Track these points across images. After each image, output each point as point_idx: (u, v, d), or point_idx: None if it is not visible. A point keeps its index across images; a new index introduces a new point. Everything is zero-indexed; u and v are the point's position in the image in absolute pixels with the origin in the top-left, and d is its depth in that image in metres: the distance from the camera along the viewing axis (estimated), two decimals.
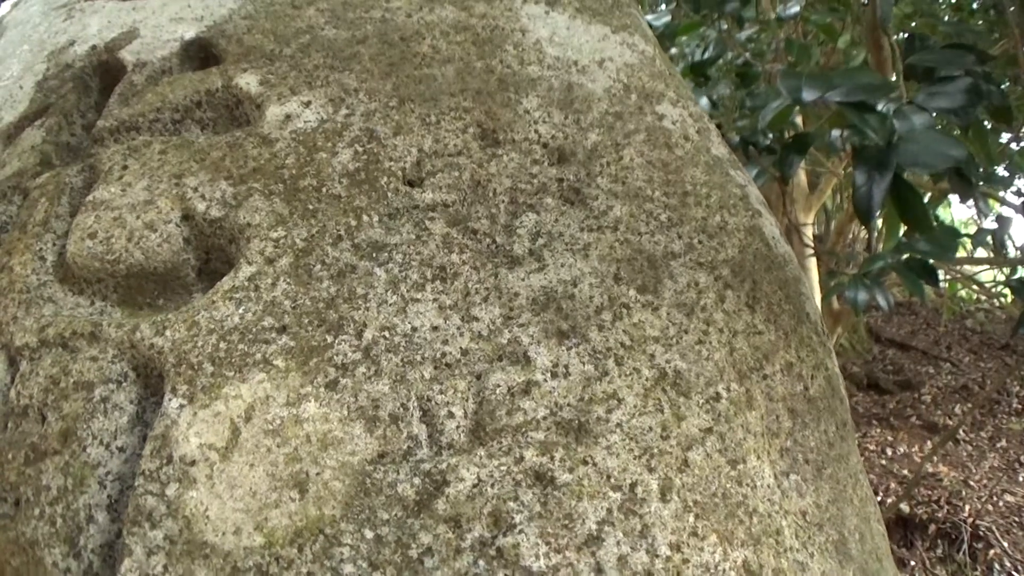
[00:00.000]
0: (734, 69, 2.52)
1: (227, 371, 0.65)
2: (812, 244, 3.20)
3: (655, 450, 0.64)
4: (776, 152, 1.92)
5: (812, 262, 3.45)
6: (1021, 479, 3.89)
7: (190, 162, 0.79)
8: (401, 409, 0.64)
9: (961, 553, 3.42)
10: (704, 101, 2.32)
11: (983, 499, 3.51)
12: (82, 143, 0.93)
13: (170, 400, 0.64)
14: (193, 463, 0.60)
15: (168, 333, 0.68)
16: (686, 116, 0.90)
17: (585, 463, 0.62)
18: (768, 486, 0.67)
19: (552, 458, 0.62)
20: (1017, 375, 4.18)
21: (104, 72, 0.97)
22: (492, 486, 0.60)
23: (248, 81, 0.86)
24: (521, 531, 0.58)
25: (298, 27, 0.93)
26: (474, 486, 0.60)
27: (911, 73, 1.37)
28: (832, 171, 3.37)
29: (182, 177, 0.78)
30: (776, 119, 1.53)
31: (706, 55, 2.37)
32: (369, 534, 0.58)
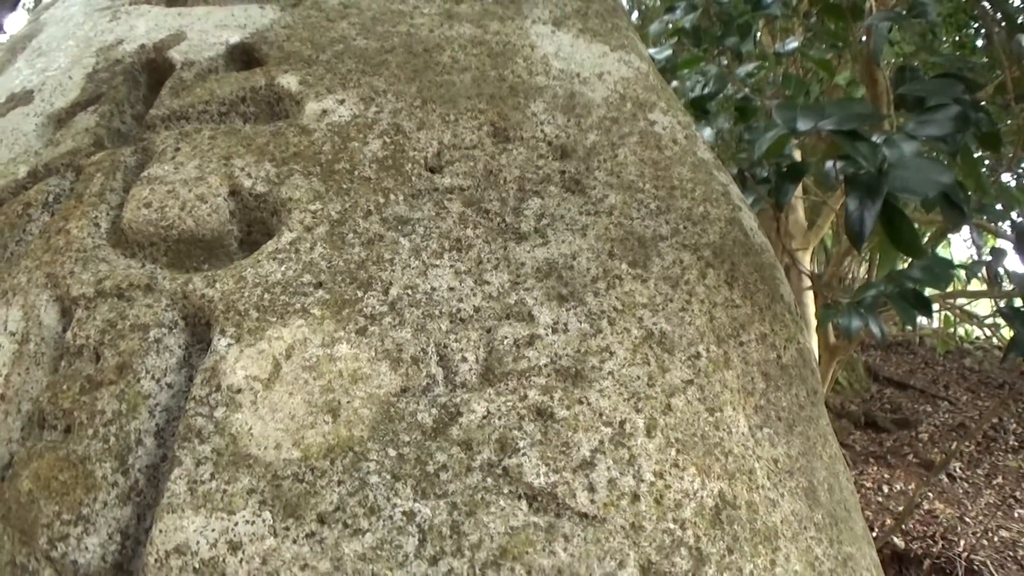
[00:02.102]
0: (733, 103, 2.62)
1: (270, 317, 0.77)
2: (810, 277, 3.36)
3: (642, 395, 0.76)
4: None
5: (809, 295, 3.60)
6: (1017, 515, 3.96)
7: (237, 146, 0.93)
8: (421, 353, 0.76)
9: None
10: (708, 132, 2.47)
11: (978, 535, 3.57)
12: (131, 131, 1.07)
13: (219, 340, 0.76)
14: (239, 391, 0.72)
15: (218, 285, 0.80)
16: (675, 123, 1.05)
17: (580, 403, 0.74)
18: (743, 434, 0.79)
19: (552, 397, 0.74)
20: (1013, 412, 4.30)
21: (152, 69, 1.12)
22: (499, 418, 0.72)
23: (289, 81, 1.01)
24: (524, 454, 0.70)
25: (332, 37, 1.09)
26: (484, 418, 0.72)
27: (902, 103, 1.49)
28: (831, 207, 3.54)
29: (230, 158, 0.91)
30: (771, 148, 1.64)
31: (706, 90, 2.47)
32: (392, 452, 0.69)
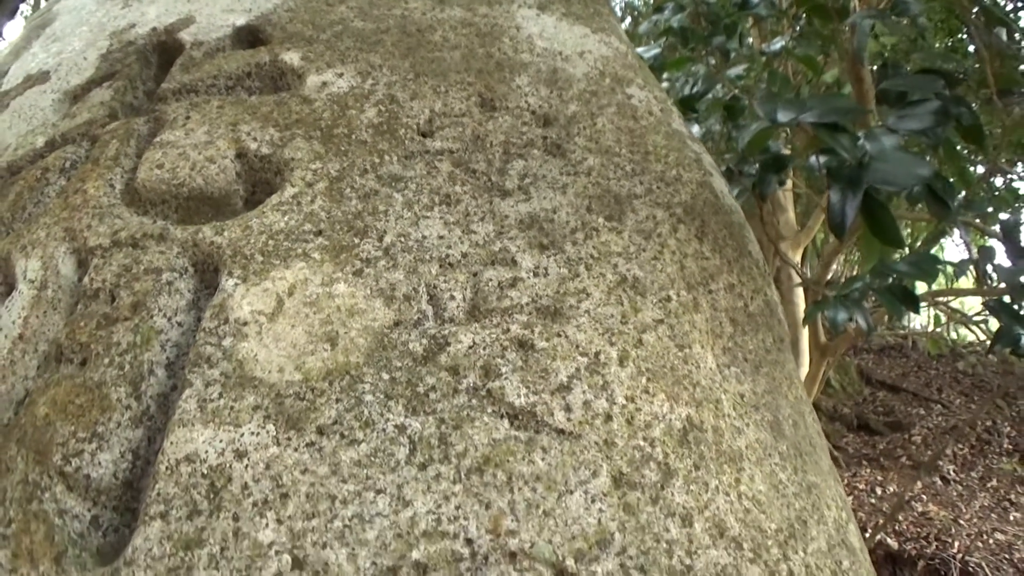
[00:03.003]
0: (722, 103, 2.69)
1: (274, 260, 0.84)
2: (800, 275, 3.45)
3: (615, 331, 0.84)
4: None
5: (799, 293, 3.69)
6: (1012, 518, 4.00)
7: (244, 114, 1.01)
8: (413, 292, 0.83)
9: None
10: (696, 131, 2.55)
11: (972, 536, 3.61)
12: (143, 105, 1.16)
13: (227, 280, 0.83)
14: (245, 324, 0.79)
15: (226, 233, 0.88)
16: (651, 97, 1.14)
17: (559, 336, 0.82)
18: (710, 369, 0.87)
19: (532, 331, 0.82)
20: (1007, 416, 4.37)
21: (163, 50, 1.21)
22: (484, 348, 0.79)
23: (291, 57, 1.10)
24: (506, 378, 0.77)
25: (331, 19, 1.18)
26: (470, 347, 0.79)
27: (884, 98, 1.55)
28: (822, 208, 3.64)
29: (237, 125, 1.00)
30: (754, 140, 1.71)
31: (695, 90, 2.54)
32: (385, 376, 0.76)
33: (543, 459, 0.72)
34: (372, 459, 0.70)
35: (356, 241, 0.88)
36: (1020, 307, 1.77)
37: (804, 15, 2.80)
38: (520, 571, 0.66)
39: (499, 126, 1.03)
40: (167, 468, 0.70)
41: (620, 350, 0.82)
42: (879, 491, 4.02)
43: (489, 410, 0.75)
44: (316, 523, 0.66)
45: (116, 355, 0.80)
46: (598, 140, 1.05)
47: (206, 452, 0.71)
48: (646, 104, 1.13)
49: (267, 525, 0.66)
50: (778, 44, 2.67)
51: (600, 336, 0.83)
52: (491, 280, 0.86)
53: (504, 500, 0.69)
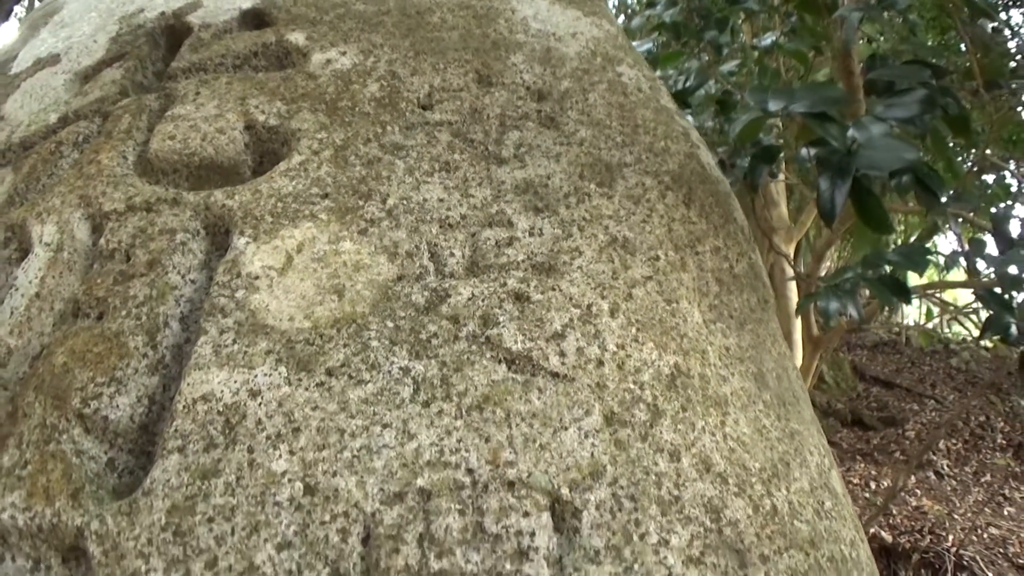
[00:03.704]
0: (714, 98, 2.75)
1: (283, 220, 0.90)
2: (792, 268, 3.52)
3: (607, 285, 0.89)
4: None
5: (792, 286, 3.77)
6: (1006, 512, 4.05)
7: (251, 89, 1.07)
8: (415, 249, 0.89)
9: None
10: (689, 120, 2.60)
11: (967, 530, 3.67)
12: (153, 84, 1.21)
13: (238, 239, 0.89)
14: (257, 278, 0.85)
15: (237, 197, 0.93)
16: (640, 76, 1.21)
17: (553, 289, 0.87)
18: (697, 323, 0.92)
19: (528, 285, 0.87)
20: (1001, 411, 4.44)
21: (171, 33, 1.27)
22: (482, 300, 0.85)
23: (296, 37, 1.16)
24: (504, 327, 0.82)
25: (334, 2, 1.24)
26: (469, 299, 0.85)
27: (871, 88, 1.58)
28: (814, 202, 3.71)
29: (245, 99, 1.05)
30: (746, 130, 1.75)
31: (688, 84, 2.59)
32: (390, 324, 0.82)
33: (539, 398, 0.78)
34: (378, 397, 0.76)
35: (361, 203, 0.93)
36: (1009, 296, 1.83)
37: (795, 10, 2.87)
38: (518, 498, 0.71)
39: (495, 100, 1.10)
40: (184, 407, 0.75)
41: (611, 303, 0.88)
42: (873, 486, 4.07)
43: (488, 355, 0.80)
44: (326, 454, 0.71)
45: (133, 307, 0.85)
46: (590, 113, 1.11)
47: (221, 392, 0.76)
48: (635, 82, 1.20)
49: (280, 456, 0.71)
50: (769, 39, 2.75)
51: (592, 290, 0.89)
52: (489, 239, 0.92)
53: (503, 434, 0.74)
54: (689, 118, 2.63)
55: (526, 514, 0.70)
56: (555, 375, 0.80)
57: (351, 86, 1.08)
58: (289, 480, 0.70)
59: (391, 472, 0.71)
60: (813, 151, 1.62)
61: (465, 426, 0.74)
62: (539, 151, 1.04)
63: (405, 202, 0.94)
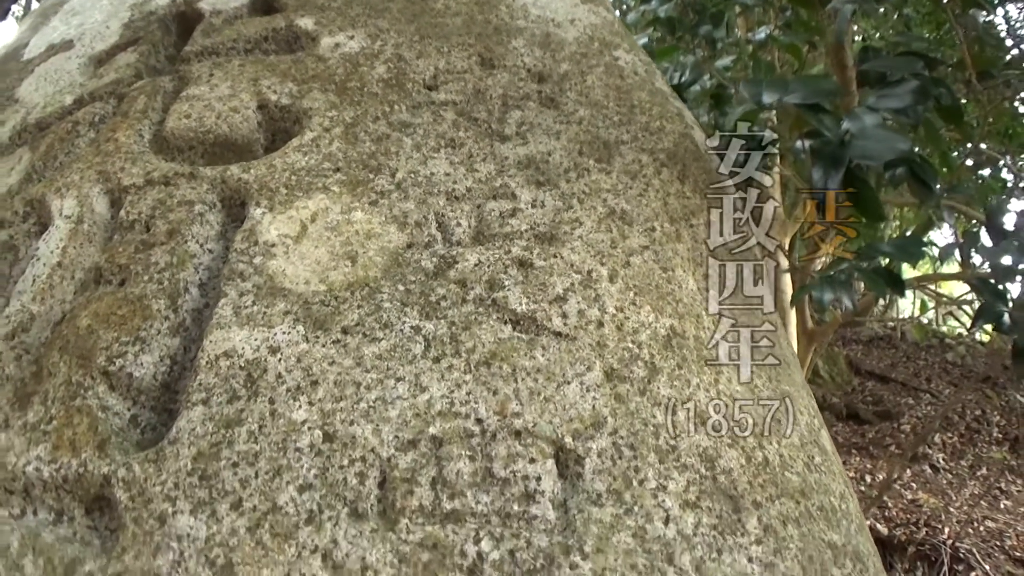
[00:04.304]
0: (709, 92, 2.80)
1: (297, 192, 0.95)
2: (788, 259, 3.58)
3: (606, 253, 0.95)
4: None
5: (787, 280, 3.83)
6: (1002, 506, 4.12)
7: (264, 70, 1.12)
8: (423, 219, 0.94)
9: (941, 575, 3.58)
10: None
11: (963, 523, 3.72)
12: (166, 68, 1.26)
13: (255, 210, 0.94)
14: (273, 245, 0.90)
15: (252, 171, 0.98)
16: (636, 60, 1.27)
17: (555, 257, 0.93)
18: (691, 291, 0.98)
19: (531, 252, 0.93)
20: (996, 405, 4.51)
21: (182, 20, 1.32)
22: (488, 266, 0.90)
23: (305, 22, 1.21)
24: (509, 290, 0.88)
25: None
26: (475, 265, 0.90)
27: (864, 79, 1.61)
28: (808, 193, 3.76)
29: (258, 80, 1.11)
30: (740, 121, 1.81)
31: (683, 79, 2.63)
32: (401, 287, 0.87)
33: (543, 355, 0.83)
34: (392, 353, 0.81)
35: (371, 177, 0.98)
36: (1002, 286, 1.87)
37: (789, 5, 2.94)
38: (524, 446, 0.76)
39: (498, 81, 1.15)
40: (207, 362, 0.80)
41: (610, 269, 0.94)
42: (869, 479, 4.13)
43: (494, 316, 0.86)
44: (344, 404, 0.77)
45: (155, 273, 0.90)
46: (588, 95, 1.17)
47: (243, 348, 0.81)
48: (631, 65, 1.26)
49: (300, 407, 0.76)
50: (763, 33, 2.81)
51: (592, 257, 0.94)
52: (493, 210, 0.97)
53: (509, 388, 0.80)
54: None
55: (532, 460, 0.75)
56: (558, 334, 0.86)
57: (359, 68, 1.13)
58: (309, 428, 0.75)
59: (405, 421, 0.76)
60: (808, 143, 1.65)
61: (474, 380, 0.80)
62: (540, 129, 1.09)
63: (413, 176, 1.00)
